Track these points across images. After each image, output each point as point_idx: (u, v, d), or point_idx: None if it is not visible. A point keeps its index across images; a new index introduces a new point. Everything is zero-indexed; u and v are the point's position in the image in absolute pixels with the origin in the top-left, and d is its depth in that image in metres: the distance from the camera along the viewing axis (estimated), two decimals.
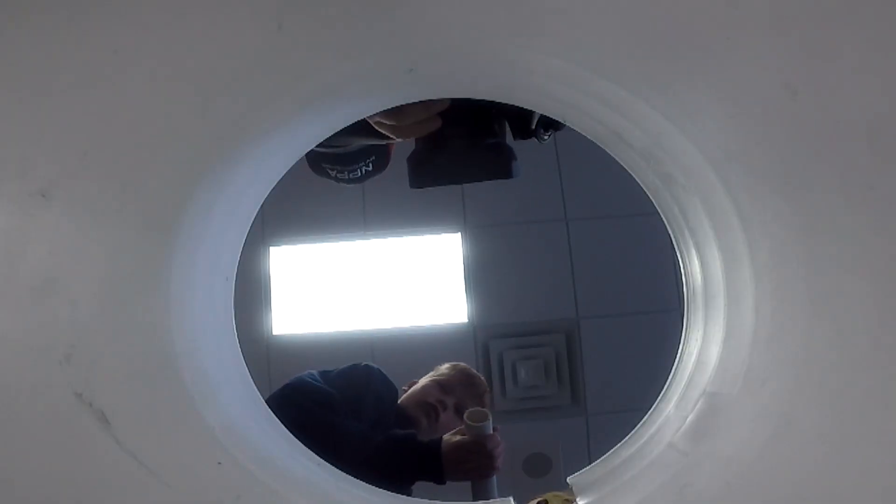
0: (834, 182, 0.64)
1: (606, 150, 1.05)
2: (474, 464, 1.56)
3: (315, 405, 1.58)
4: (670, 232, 1.07)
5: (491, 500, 1.24)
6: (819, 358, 0.68)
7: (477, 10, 0.74)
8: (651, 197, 1.07)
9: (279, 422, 1.02)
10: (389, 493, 1.06)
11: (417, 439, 1.62)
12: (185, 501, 0.78)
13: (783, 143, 0.68)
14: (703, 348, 0.96)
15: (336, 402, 1.61)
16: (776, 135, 0.68)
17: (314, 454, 1.03)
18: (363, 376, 1.77)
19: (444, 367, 1.91)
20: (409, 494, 1.53)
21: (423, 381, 1.87)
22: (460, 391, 1.82)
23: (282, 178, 1.06)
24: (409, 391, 1.85)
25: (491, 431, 1.60)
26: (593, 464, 1.14)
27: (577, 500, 0.99)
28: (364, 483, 1.03)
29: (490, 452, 1.57)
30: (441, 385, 1.82)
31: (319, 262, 3.51)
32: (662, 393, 1.10)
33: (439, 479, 1.56)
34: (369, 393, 1.73)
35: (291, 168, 1.07)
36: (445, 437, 1.60)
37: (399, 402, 1.81)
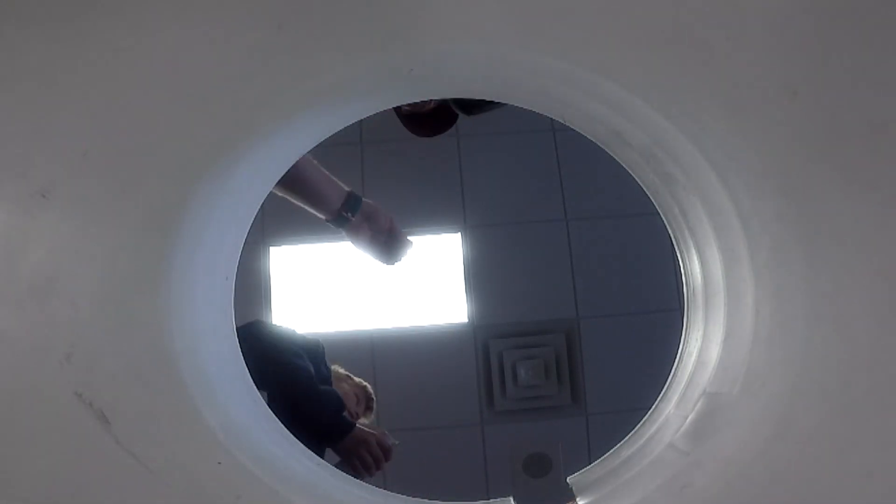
0: (834, 182, 0.64)
1: (606, 150, 1.05)
2: (364, 458, 1.68)
3: (277, 337, 1.71)
4: (670, 232, 1.07)
5: (491, 500, 1.24)
6: (819, 358, 0.68)
7: (476, 10, 0.74)
8: (651, 197, 1.07)
9: (279, 421, 1.02)
10: (389, 493, 1.06)
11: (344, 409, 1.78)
12: (185, 501, 0.78)
13: (783, 143, 0.68)
14: (703, 348, 0.96)
15: (295, 342, 1.75)
16: (776, 135, 0.68)
17: (314, 454, 1.03)
18: (313, 343, 1.91)
19: (359, 382, 2.09)
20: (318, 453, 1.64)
21: (346, 385, 2.01)
22: (361, 407, 2.04)
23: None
24: (336, 384, 1.98)
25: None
26: (593, 464, 1.14)
27: (578, 499, 0.99)
28: (364, 483, 1.03)
29: (377, 459, 1.70)
30: (357, 397, 2.02)
31: (319, 262, 3.51)
32: (662, 393, 1.10)
33: (335, 445, 1.69)
34: (314, 356, 1.86)
35: None
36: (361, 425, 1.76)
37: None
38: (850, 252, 0.64)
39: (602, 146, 1.04)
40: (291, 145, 1.01)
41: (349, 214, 1.50)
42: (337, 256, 3.53)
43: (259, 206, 1.03)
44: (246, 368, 1.01)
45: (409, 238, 1.63)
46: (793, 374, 0.72)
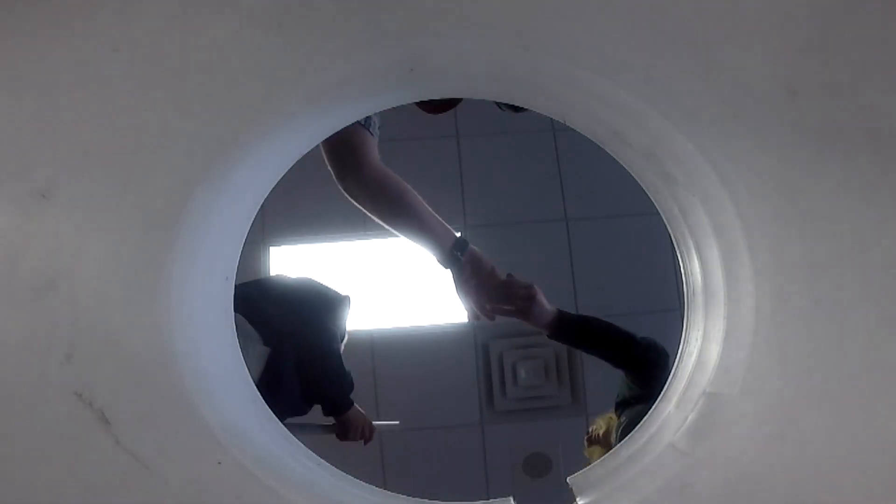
0: (834, 182, 0.64)
1: (606, 150, 1.04)
2: (354, 433, 2.08)
3: (326, 311, 2.01)
4: (670, 232, 1.07)
5: (491, 500, 1.24)
6: (819, 358, 0.68)
7: (477, 10, 0.74)
8: (651, 197, 1.07)
9: (279, 421, 1.02)
10: (389, 493, 1.06)
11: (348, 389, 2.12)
12: (185, 501, 0.78)
13: (783, 143, 0.68)
14: (703, 348, 0.96)
15: (336, 324, 2.02)
16: (776, 135, 0.68)
17: (314, 454, 1.03)
18: (345, 306, 2.20)
19: None
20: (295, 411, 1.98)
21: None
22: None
23: (282, 178, 1.06)
24: None
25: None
26: (593, 464, 1.14)
27: (578, 500, 1.00)
28: (364, 483, 1.03)
29: (364, 438, 2.12)
30: None
31: (319, 262, 3.51)
32: (662, 393, 1.10)
33: (335, 411, 2.08)
34: (343, 321, 2.20)
35: (291, 168, 1.07)
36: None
37: None
38: (850, 252, 0.64)
39: (602, 146, 1.04)
40: (291, 145, 1.01)
41: (459, 254, 1.68)
42: (337, 256, 3.53)
43: (259, 206, 1.03)
44: (246, 368, 1.01)
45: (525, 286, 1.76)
46: (793, 374, 0.72)
